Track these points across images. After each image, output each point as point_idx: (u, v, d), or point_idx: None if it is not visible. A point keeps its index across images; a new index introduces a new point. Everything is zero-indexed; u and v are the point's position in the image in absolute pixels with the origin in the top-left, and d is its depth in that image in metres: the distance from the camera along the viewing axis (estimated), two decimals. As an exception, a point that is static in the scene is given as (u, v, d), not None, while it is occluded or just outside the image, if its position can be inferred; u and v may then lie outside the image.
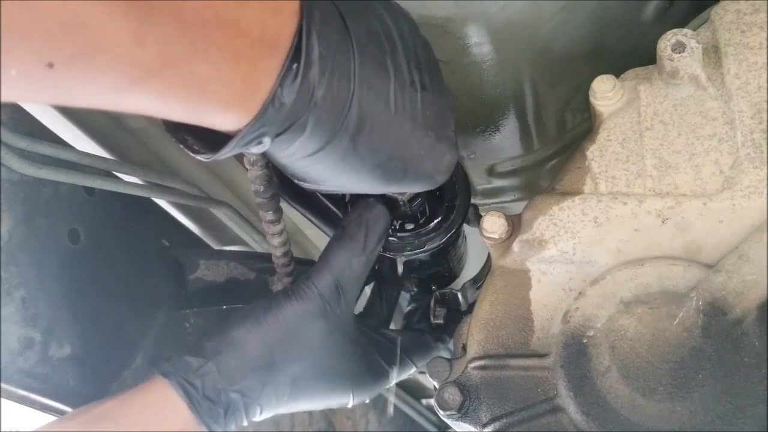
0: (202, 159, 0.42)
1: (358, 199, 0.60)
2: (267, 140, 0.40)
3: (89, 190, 0.83)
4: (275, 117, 0.38)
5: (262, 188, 0.63)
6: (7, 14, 0.27)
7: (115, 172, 0.84)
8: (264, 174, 0.61)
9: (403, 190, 0.50)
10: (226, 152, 0.40)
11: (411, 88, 0.44)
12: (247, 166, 0.59)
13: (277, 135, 0.40)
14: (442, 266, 0.73)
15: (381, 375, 0.67)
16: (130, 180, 0.88)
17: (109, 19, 0.29)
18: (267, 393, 0.59)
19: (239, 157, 0.55)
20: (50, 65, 0.29)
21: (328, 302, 0.59)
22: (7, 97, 0.30)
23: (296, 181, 0.50)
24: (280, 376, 0.59)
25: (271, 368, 0.59)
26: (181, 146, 0.42)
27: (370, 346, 0.66)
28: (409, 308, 0.80)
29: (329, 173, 0.46)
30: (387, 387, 0.70)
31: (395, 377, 0.69)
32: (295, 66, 0.37)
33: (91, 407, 0.58)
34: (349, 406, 0.66)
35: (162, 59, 0.32)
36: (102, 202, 0.84)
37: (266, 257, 0.93)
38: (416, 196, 0.60)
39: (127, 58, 0.31)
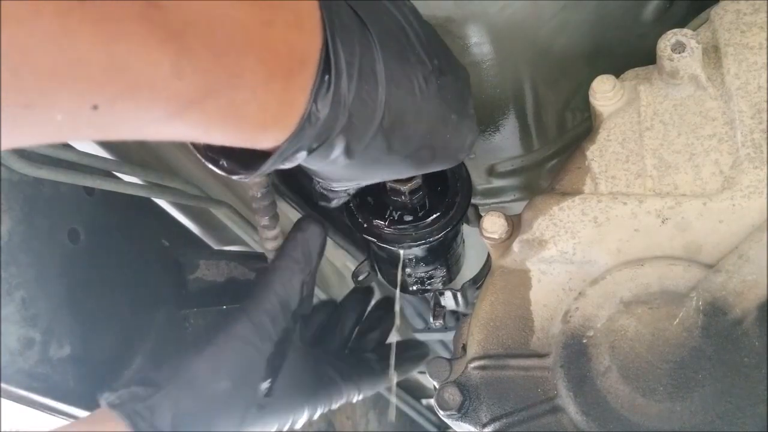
0: (240, 179, 0.42)
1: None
2: (303, 154, 0.40)
3: (89, 190, 0.83)
4: (311, 131, 0.38)
5: (260, 194, 0.63)
6: (49, 61, 0.27)
7: (115, 172, 0.84)
8: (263, 181, 0.61)
9: (429, 171, 0.51)
10: (264, 171, 0.40)
11: (432, 75, 0.44)
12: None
13: (313, 149, 0.40)
14: (440, 265, 0.73)
15: (332, 388, 0.72)
16: (130, 180, 0.88)
17: (148, 57, 0.29)
18: (222, 416, 0.60)
19: None
20: (95, 107, 0.29)
21: (274, 320, 0.62)
22: (54, 139, 0.31)
23: (319, 188, 0.51)
24: (235, 399, 0.61)
25: (225, 391, 0.60)
26: (218, 170, 0.42)
27: (322, 360, 0.71)
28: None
29: (362, 172, 0.46)
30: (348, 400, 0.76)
31: (350, 391, 0.75)
32: (326, 78, 0.37)
33: None
34: (301, 423, 0.69)
35: (200, 89, 0.32)
36: (102, 202, 0.84)
37: (266, 257, 0.93)
38: (417, 189, 0.60)
39: (167, 92, 0.31)
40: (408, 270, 0.73)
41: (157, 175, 0.91)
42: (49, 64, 0.27)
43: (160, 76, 0.30)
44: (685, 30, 0.48)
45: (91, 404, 0.79)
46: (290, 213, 0.83)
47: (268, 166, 0.39)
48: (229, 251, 1.07)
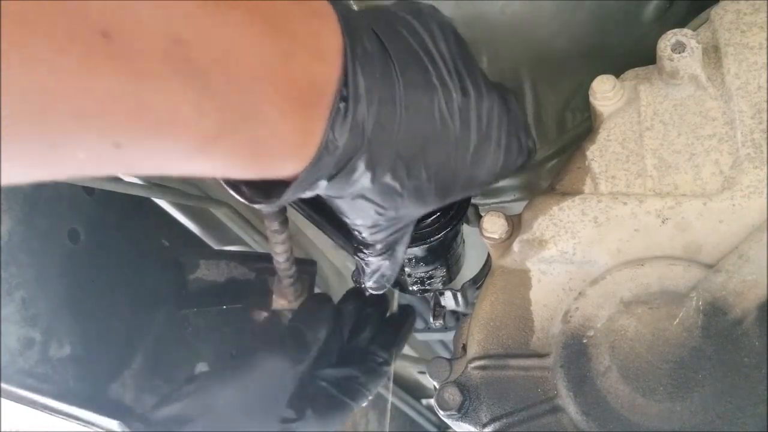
0: (260, 207, 0.42)
1: None
2: (323, 183, 0.40)
3: (89, 190, 0.83)
4: (330, 159, 0.38)
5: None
6: (73, 101, 0.27)
7: (114, 172, 0.84)
8: None
9: (454, 199, 0.49)
10: (284, 201, 0.40)
11: (454, 96, 0.43)
12: None
13: (332, 177, 0.39)
14: (440, 265, 0.73)
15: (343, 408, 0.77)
16: (130, 180, 0.88)
17: (171, 96, 0.29)
18: None
19: None
20: (117, 146, 0.29)
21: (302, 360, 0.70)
22: (75, 176, 0.31)
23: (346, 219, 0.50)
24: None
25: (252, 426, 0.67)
26: (239, 197, 0.42)
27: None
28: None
29: (388, 204, 0.45)
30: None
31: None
32: (342, 105, 0.37)
33: None
34: None
35: (222, 126, 0.32)
36: (102, 202, 0.84)
37: (266, 257, 0.93)
38: None
39: (190, 130, 0.31)
40: (408, 270, 0.73)
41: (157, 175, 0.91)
42: (73, 104, 0.27)
43: (183, 114, 0.30)
44: (685, 30, 0.48)
45: (90, 404, 0.79)
46: (297, 218, 0.84)
47: (288, 196, 0.39)
48: (229, 251, 1.07)
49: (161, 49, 0.28)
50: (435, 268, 0.73)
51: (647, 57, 0.52)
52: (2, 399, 0.71)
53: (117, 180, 0.83)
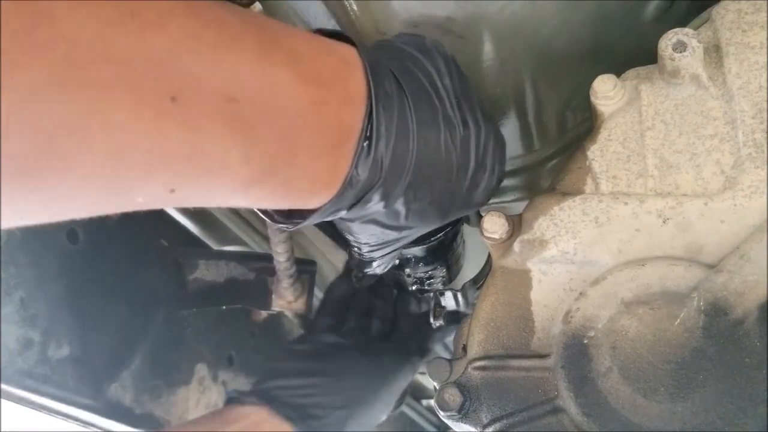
0: (284, 228, 0.45)
1: None
2: (343, 212, 0.43)
3: (88, 190, 0.83)
4: (352, 192, 0.41)
5: None
6: (143, 157, 0.29)
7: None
8: None
9: (450, 219, 0.53)
10: (307, 224, 0.43)
11: (456, 129, 0.46)
12: None
13: (352, 207, 0.43)
14: (440, 265, 0.73)
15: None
16: (130, 180, 0.88)
17: (222, 146, 0.32)
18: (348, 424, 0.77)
19: None
20: (172, 191, 0.32)
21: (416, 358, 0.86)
22: (126, 210, 0.33)
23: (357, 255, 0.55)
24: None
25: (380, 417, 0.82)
26: (267, 219, 0.46)
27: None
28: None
29: (393, 223, 0.48)
30: None
31: None
32: (366, 144, 0.40)
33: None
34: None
35: (263, 171, 0.35)
36: (101, 202, 0.84)
37: (266, 257, 0.93)
38: None
39: (235, 176, 0.34)
40: (408, 270, 0.73)
41: (157, 175, 0.91)
42: (142, 159, 0.29)
43: (231, 162, 0.33)
44: (686, 29, 0.48)
45: (89, 405, 0.79)
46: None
47: (310, 221, 0.42)
48: (229, 251, 1.07)
49: (218, 107, 0.31)
50: (435, 268, 0.73)
51: (648, 56, 0.52)
52: (2, 399, 0.70)
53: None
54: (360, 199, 0.42)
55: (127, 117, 0.28)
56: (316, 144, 0.37)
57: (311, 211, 0.42)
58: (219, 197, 0.36)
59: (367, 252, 0.53)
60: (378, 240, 0.51)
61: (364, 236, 0.50)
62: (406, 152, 0.43)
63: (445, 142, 0.46)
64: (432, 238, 0.64)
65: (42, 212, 0.29)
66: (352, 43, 0.43)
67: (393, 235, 0.50)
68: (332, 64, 0.39)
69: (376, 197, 0.43)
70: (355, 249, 0.54)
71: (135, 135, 0.28)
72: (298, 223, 0.43)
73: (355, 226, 0.48)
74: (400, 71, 0.43)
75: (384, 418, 0.85)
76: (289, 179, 0.37)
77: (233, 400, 0.76)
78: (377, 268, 0.58)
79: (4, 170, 0.25)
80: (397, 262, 0.72)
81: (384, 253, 0.54)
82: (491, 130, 0.51)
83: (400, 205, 0.45)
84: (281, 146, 0.35)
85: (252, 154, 0.34)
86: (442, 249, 0.69)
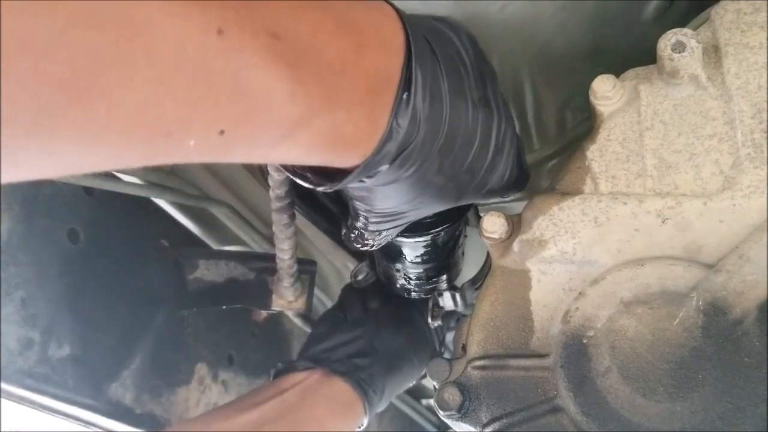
0: (324, 190, 0.45)
1: None
2: (385, 167, 0.43)
3: (89, 190, 0.83)
4: (393, 145, 0.41)
5: (283, 193, 0.64)
6: (188, 92, 0.29)
7: (114, 172, 0.84)
8: (287, 178, 0.62)
9: (464, 201, 0.53)
10: (347, 183, 0.43)
11: (480, 104, 0.47)
12: (272, 171, 0.60)
13: (393, 162, 0.42)
14: (439, 266, 0.73)
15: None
16: (130, 180, 0.88)
17: (267, 83, 0.32)
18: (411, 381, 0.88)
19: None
20: (221, 132, 0.32)
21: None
22: (182, 161, 0.33)
23: (360, 228, 0.53)
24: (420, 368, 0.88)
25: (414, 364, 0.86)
26: (304, 183, 0.45)
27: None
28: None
29: (414, 195, 0.48)
30: None
31: None
32: (405, 96, 0.40)
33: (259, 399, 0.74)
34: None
35: (308, 111, 0.35)
36: (101, 201, 0.84)
37: (266, 257, 0.93)
38: None
39: (282, 115, 0.34)
40: (407, 270, 0.73)
41: (157, 175, 0.91)
42: (187, 95, 0.29)
43: (276, 101, 0.33)
44: (685, 30, 0.48)
45: (90, 404, 0.79)
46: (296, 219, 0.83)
47: (353, 177, 0.42)
48: (229, 251, 1.07)
49: (263, 43, 0.31)
50: (434, 269, 0.73)
51: (647, 56, 0.52)
52: (2, 399, 0.71)
53: (117, 180, 0.83)
54: (399, 155, 0.42)
55: (171, 47, 0.28)
56: (357, 88, 0.38)
57: (352, 170, 0.42)
58: (267, 144, 0.36)
59: (374, 223, 0.52)
60: (392, 210, 0.50)
61: (381, 204, 0.49)
62: (440, 115, 0.43)
63: (472, 116, 0.46)
64: (430, 231, 0.64)
65: (95, 149, 0.29)
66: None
67: (407, 207, 0.50)
68: (365, 11, 0.39)
69: (413, 156, 0.43)
70: (361, 220, 0.53)
71: (180, 66, 0.28)
72: (339, 183, 0.43)
73: (379, 192, 0.47)
74: (432, 35, 0.44)
75: (420, 374, 0.90)
76: (333, 124, 0.37)
77: (283, 371, 0.80)
78: (376, 241, 0.57)
79: (55, 96, 0.25)
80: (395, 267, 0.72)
81: (390, 227, 0.54)
82: (511, 120, 0.51)
83: (427, 173, 0.45)
84: (323, 88, 0.36)
85: (297, 92, 0.34)
86: (443, 250, 0.69)
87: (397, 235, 0.62)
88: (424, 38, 0.43)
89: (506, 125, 0.50)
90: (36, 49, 0.24)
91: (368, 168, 0.42)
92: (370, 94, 0.39)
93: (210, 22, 0.29)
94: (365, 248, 0.57)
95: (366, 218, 0.52)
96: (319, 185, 0.45)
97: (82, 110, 0.26)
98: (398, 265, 0.72)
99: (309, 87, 0.35)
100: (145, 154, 0.31)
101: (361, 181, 0.44)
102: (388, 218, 0.51)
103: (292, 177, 0.45)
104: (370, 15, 0.40)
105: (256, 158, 0.37)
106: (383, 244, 0.58)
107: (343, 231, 0.57)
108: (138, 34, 0.27)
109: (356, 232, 0.55)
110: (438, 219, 0.62)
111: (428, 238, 0.65)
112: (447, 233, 0.65)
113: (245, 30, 0.30)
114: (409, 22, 0.41)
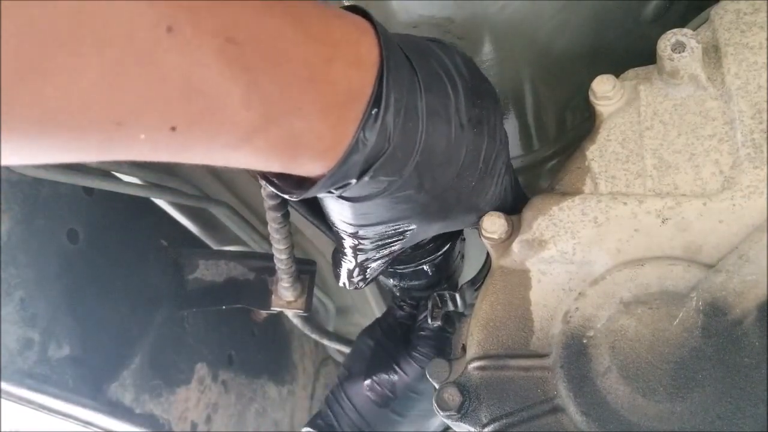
0: (291, 198, 0.45)
1: None
2: (353, 182, 0.43)
3: (88, 190, 0.83)
4: (359, 157, 0.41)
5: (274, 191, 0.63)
6: (139, 82, 0.30)
7: (114, 172, 0.84)
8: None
9: (452, 222, 0.52)
10: (314, 192, 0.43)
11: (468, 124, 0.46)
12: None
13: (360, 177, 0.42)
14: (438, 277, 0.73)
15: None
16: (129, 180, 0.88)
17: (220, 87, 0.33)
18: None
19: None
20: (173, 129, 0.32)
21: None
22: (134, 158, 0.34)
23: (338, 228, 0.52)
24: None
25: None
26: (273, 188, 0.46)
27: None
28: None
29: (389, 212, 0.48)
30: None
31: None
32: (374, 111, 0.40)
33: None
34: None
35: (265, 118, 0.35)
36: (101, 202, 0.84)
37: (265, 257, 0.93)
38: None
39: (236, 120, 0.34)
40: (403, 283, 0.73)
41: (156, 175, 0.91)
42: (138, 85, 0.30)
43: (231, 104, 0.33)
44: (685, 30, 0.48)
45: (90, 404, 0.79)
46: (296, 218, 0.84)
47: (319, 187, 0.42)
48: (229, 251, 1.08)
49: (216, 44, 0.32)
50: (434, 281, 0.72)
51: (647, 57, 0.52)
52: (2, 399, 0.71)
53: (117, 180, 0.83)
54: (365, 172, 0.42)
55: (120, 36, 0.28)
56: (322, 99, 0.38)
57: (318, 179, 0.42)
58: (223, 147, 0.36)
59: (371, 247, 0.52)
60: (379, 235, 0.50)
61: (364, 222, 0.49)
62: (414, 131, 0.43)
63: (456, 135, 0.45)
64: (431, 257, 0.64)
65: (48, 133, 0.29)
66: (366, 17, 0.43)
67: (393, 229, 0.49)
68: (341, 26, 0.40)
69: (383, 171, 0.43)
70: (348, 251, 0.53)
71: (129, 56, 0.29)
72: (305, 191, 0.43)
73: (359, 208, 0.47)
74: (416, 54, 0.44)
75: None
76: (293, 133, 0.37)
77: None
78: (367, 275, 0.57)
79: (6, 68, 0.26)
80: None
81: (383, 254, 0.53)
82: (505, 143, 0.51)
83: (403, 190, 0.45)
84: (284, 95, 0.36)
85: (253, 99, 0.34)
86: (442, 263, 0.69)
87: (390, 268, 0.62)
88: (404, 56, 0.43)
89: (499, 147, 0.50)
90: None
91: (334, 178, 0.41)
92: (337, 106, 0.39)
93: (159, 19, 0.29)
94: (353, 286, 0.57)
95: (354, 247, 0.52)
96: (287, 192, 0.45)
97: (30, 89, 0.27)
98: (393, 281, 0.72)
99: (267, 94, 0.35)
100: (98, 143, 0.31)
101: (331, 192, 0.44)
102: (379, 245, 0.51)
103: (261, 181, 0.46)
104: (347, 29, 0.40)
105: (215, 161, 0.37)
106: (374, 277, 0.58)
107: (334, 270, 0.58)
108: (88, 19, 0.27)
109: (343, 267, 0.55)
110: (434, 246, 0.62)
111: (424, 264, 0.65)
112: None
113: (199, 30, 0.31)
114: (387, 40, 0.41)
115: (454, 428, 0.51)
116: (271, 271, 0.86)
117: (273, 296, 0.88)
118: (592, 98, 0.53)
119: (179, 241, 1.00)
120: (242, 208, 1.09)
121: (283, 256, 0.74)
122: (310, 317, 1.17)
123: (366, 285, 0.58)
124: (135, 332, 0.88)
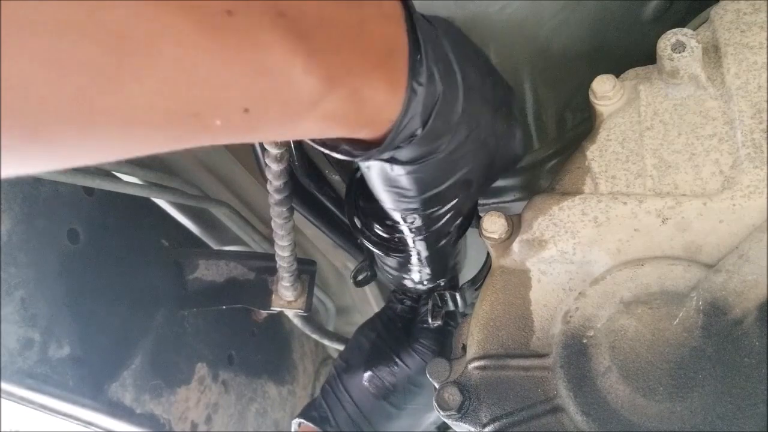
0: (359, 160, 0.46)
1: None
2: (418, 130, 0.44)
3: (88, 190, 0.83)
4: (417, 107, 0.43)
5: (282, 185, 0.63)
6: (210, 73, 0.31)
7: (114, 172, 0.84)
8: (286, 170, 0.61)
9: (494, 171, 0.54)
10: (386, 149, 0.44)
11: (485, 67, 0.49)
12: (271, 163, 0.59)
13: (424, 124, 0.44)
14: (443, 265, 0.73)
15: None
16: (130, 180, 0.88)
17: (283, 58, 0.34)
18: None
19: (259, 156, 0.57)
20: (246, 110, 0.33)
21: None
22: (210, 143, 0.34)
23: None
24: None
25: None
26: (338, 155, 0.46)
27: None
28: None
29: (447, 168, 0.49)
30: None
31: None
32: (418, 57, 0.42)
33: None
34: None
35: (328, 82, 0.37)
36: (101, 202, 0.84)
37: (266, 257, 0.93)
38: None
39: (302, 87, 0.35)
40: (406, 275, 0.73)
41: (157, 175, 0.91)
42: (210, 76, 0.31)
43: (295, 74, 0.35)
44: (685, 30, 0.48)
45: (90, 404, 0.79)
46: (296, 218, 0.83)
47: (389, 141, 0.43)
48: (229, 251, 1.07)
49: (268, 21, 0.33)
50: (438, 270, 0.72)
51: (647, 57, 0.52)
52: (2, 399, 0.71)
53: (117, 180, 0.83)
54: (428, 119, 0.44)
55: (190, 26, 0.29)
56: (371, 55, 0.39)
57: (384, 137, 0.43)
58: (293, 119, 0.37)
59: (432, 213, 0.53)
60: (435, 192, 0.51)
61: (425, 187, 0.51)
62: (453, 74, 0.45)
63: (483, 75, 0.48)
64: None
65: (130, 132, 0.30)
66: None
67: (451, 187, 0.51)
68: None
69: (440, 119, 0.45)
70: (410, 218, 0.54)
71: (197, 47, 0.30)
72: (376, 150, 0.44)
73: (418, 171, 0.49)
74: (434, 20, 0.47)
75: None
76: (355, 90, 0.39)
77: None
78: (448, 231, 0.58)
79: (90, 78, 0.26)
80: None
81: (448, 216, 0.55)
82: (514, 96, 0.54)
83: (457, 139, 0.47)
84: (337, 57, 0.37)
85: (313, 64, 0.35)
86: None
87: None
88: (420, 13, 0.45)
89: (511, 93, 0.53)
90: (70, 31, 0.25)
91: (401, 129, 0.43)
92: (385, 60, 0.40)
93: (220, 4, 0.30)
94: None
95: (407, 206, 0.53)
96: (355, 155, 0.46)
97: (116, 91, 0.28)
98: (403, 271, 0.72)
99: (324, 58, 0.36)
100: (176, 135, 0.32)
101: (395, 160, 0.45)
102: (436, 208, 0.53)
103: (324, 150, 0.46)
104: None
105: (284, 135, 0.39)
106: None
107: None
108: (158, 14, 0.28)
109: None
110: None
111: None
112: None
113: (253, 10, 0.32)
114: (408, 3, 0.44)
115: (455, 428, 0.51)
116: (272, 271, 0.86)
117: (273, 296, 0.88)
118: (592, 98, 0.53)
119: (179, 241, 1.00)
120: (242, 208, 1.09)
121: (286, 253, 0.74)
122: (310, 317, 1.17)
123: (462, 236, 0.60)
124: (135, 332, 0.88)
